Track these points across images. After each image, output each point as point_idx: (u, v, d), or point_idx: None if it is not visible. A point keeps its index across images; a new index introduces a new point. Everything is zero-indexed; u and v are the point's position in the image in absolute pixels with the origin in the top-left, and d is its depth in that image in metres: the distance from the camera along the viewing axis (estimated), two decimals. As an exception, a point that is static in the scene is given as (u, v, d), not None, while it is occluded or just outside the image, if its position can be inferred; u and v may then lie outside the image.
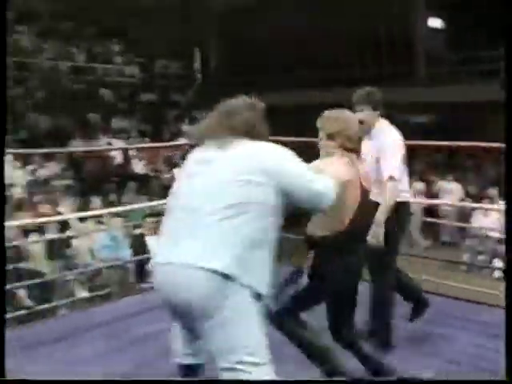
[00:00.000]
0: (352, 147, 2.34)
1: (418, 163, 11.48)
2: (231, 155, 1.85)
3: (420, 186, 9.32)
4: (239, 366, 1.74)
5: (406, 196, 3.10)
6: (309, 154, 2.32)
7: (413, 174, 10.21)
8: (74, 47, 13.10)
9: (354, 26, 12.43)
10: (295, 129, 5.75)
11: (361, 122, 2.59)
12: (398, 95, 11.95)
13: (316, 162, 2.33)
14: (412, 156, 11.17)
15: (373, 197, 2.47)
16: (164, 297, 1.83)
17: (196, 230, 1.77)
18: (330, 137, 2.36)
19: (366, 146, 2.64)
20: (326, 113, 2.43)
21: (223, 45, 14.90)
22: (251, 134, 1.91)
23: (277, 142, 1.95)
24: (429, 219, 7.77)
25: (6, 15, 2.50)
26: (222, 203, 1.77)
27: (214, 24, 14.81)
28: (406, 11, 12.36)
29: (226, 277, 1.72)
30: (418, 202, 8.69)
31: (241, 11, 13.47)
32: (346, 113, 2.43)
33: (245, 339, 1.76)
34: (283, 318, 2.35)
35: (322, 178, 1.93)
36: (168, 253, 1.81)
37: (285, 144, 1.97)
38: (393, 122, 3.12)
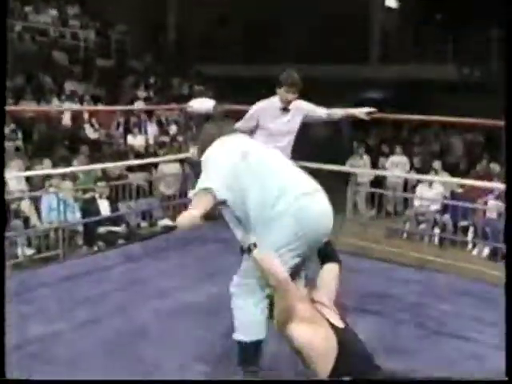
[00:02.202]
0: None
1: (372, 138, 11.79)
2: None
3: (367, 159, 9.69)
4: None
5: None
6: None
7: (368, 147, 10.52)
8: (28, 7, 12.67)
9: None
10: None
11: None
12: (351, 73, 12.19)
13: None
14: (365, 130, 11.51)
15: None
16: None
17: None
18: None
19: None
20: None
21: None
22: None
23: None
24: (375, 190, 8.02)
25: (6, 15, 2.60)
26: None
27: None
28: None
29: None
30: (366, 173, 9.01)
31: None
32: None
33: None
34: None
35: None
36: None
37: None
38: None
